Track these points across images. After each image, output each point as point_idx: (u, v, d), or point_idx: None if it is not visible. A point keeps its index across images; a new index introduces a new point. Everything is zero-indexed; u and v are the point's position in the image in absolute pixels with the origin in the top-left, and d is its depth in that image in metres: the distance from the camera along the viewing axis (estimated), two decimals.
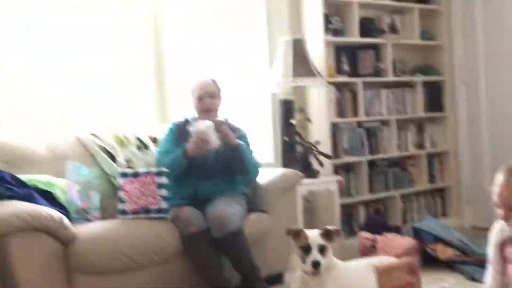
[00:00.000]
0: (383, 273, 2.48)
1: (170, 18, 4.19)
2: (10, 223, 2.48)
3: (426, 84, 5.03)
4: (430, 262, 3.66)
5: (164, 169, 3.10)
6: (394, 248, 3.61)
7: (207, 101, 3.36)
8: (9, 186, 2.78)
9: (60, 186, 3.05)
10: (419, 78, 4.97)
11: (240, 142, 3.26)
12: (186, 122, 3.43)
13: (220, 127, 3.15)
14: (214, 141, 3.07)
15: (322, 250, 2.50)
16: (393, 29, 4.84)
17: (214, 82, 3.45)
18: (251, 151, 3.41)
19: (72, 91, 3.91)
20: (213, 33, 4.33)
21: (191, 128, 3.11)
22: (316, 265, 2.47)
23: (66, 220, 2.69)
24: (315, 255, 2.48)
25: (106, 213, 3.19)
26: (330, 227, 2.57)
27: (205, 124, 3.07)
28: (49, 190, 2.95)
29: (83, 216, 3.05)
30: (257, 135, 4.30)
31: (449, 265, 3.70)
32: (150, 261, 2.87)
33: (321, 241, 2.51)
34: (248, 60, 4.42)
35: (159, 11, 4.17)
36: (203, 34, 4.31)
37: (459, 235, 3.94)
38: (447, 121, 5.13)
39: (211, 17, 4.32)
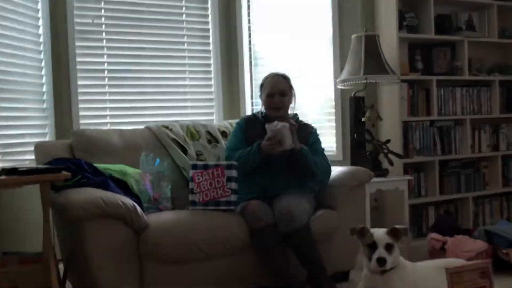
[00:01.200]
0: (454, 275, 2.41)
1: (242, 15, 4.25)
2: (86, 209, 2.57)
3: (503, 84, 4.85)
4: (503, 267, 3.53)
5: (234, 163, 3.13)
6: (465, 251, 3.52)
7: (276, 99, 3.32)
8: (86, 173, 2.87)
9: (134, 176, 3.15)
10: (496, 77, 4.80)
11: (303, 146, 3.21)
12: (254, 117, 3.44)
13: (291, 129, 3.14)
14: (288, 141, 3.07)
15: (388, 248, 2.46)
16: (470, 26, 4.69)
17: (285, 79, 3.40)
18: (323, 149, 3.38)
19: (146, 84, 4.04)
20: (283, 29, 4.35)
21: (267, 126, 3.11)
22: (381, 261, 2.43)
23: (139, 209, 2.77)
24: (380, 252, 2.45)
25: (176, 203, 3.27)
26: (397, 226, 2.53)
27: (281, 125, 3.06)
28: (123, 179, 3.05)
29: (155, 205, 3.13)
30: (324, 131, 4.30)
31: None
32: (218, 252, 2.91)
33: (387, 239, 2.47)
34: (318, 56, 4.40)
35: (231, 11, 4.24)
36: (273, 29, 4.34)
37: None
38: None
39: (281, 13, 4.34)
